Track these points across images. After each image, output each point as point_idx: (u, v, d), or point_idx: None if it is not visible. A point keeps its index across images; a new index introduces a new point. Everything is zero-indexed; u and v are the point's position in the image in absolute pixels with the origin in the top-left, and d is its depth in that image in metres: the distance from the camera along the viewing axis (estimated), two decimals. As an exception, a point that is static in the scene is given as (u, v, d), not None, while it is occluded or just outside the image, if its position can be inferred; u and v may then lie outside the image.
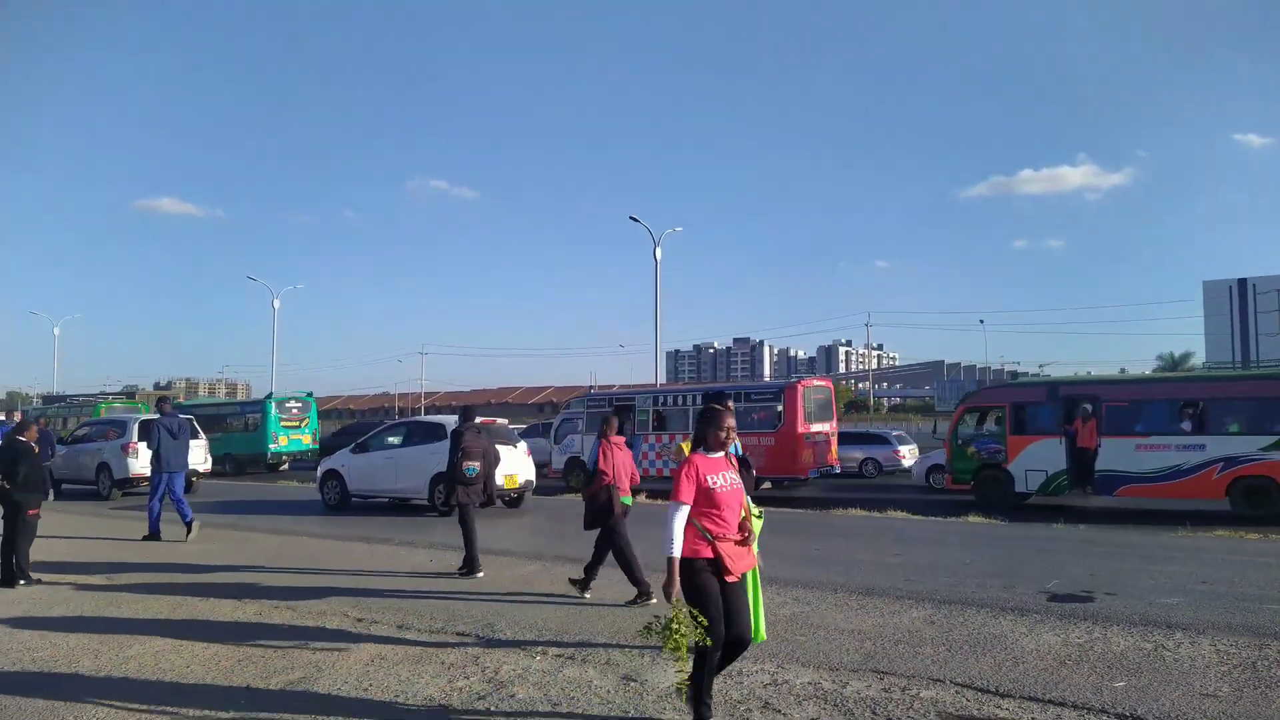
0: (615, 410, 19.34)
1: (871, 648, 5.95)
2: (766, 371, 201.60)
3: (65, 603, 7.99)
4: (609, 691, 5.04)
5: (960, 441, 17.24)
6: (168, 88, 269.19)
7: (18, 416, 22.49)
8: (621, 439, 8.30)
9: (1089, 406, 15.89)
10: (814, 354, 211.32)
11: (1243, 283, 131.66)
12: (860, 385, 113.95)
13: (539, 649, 6.01)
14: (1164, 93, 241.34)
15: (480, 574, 8.89)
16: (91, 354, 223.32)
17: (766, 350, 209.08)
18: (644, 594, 7.44)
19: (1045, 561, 9.44)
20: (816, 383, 21.72)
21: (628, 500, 7.90)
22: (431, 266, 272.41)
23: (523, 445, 16.21)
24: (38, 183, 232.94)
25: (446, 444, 10.25)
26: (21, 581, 8.88)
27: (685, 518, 4.26)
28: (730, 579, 4.29)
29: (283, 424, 28.66)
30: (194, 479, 19.49)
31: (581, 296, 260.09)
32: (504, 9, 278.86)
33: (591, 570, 7.88)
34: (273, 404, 29.11)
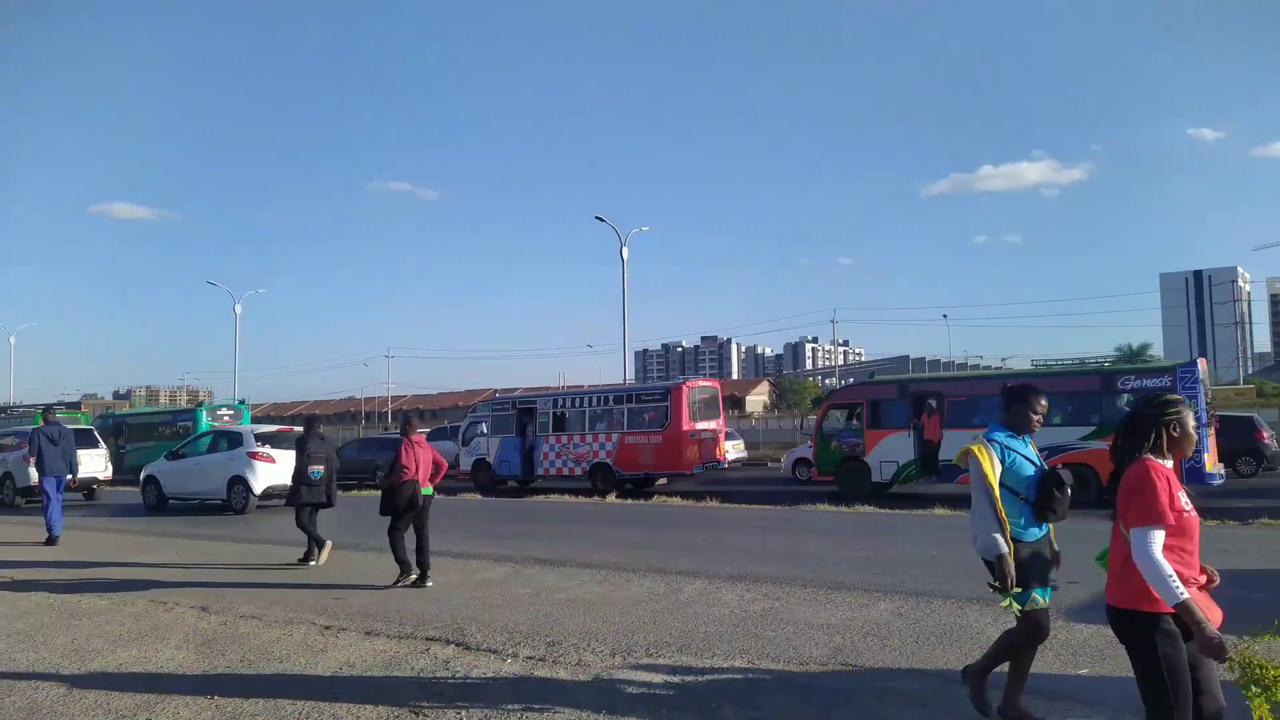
0: (518, 413, 22.67)
1: (840, 641, 6.01)
2: (734, 369, 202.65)
3: (24, 617, 7.80)
4: (580, 693, 5.04)
5: (825, 436, 18.65)
6: (123, 91, 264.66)
7: None
8: (421, 437, 9.52)
9: (933, 403, 17.51)
10: (781, 351, 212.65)
11: (1198, 274, 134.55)
12: (827, 381, 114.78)
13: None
14: (1119, 88, 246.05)
15: (313, 563, 10.06)
16: (50, 363, 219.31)
17: (734, 348, 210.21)
18: (405, 574, 8.68)
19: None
20: (702, 383, 23.23)
21: (427, 491, 8.89)
22: (396, 269, 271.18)
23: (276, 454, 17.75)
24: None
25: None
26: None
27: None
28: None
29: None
30: (94, 486, 20.84)
31: (549, 297, 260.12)
32: (464, 9, 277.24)
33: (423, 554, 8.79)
34: (204, 412, 29.47)
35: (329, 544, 10.21)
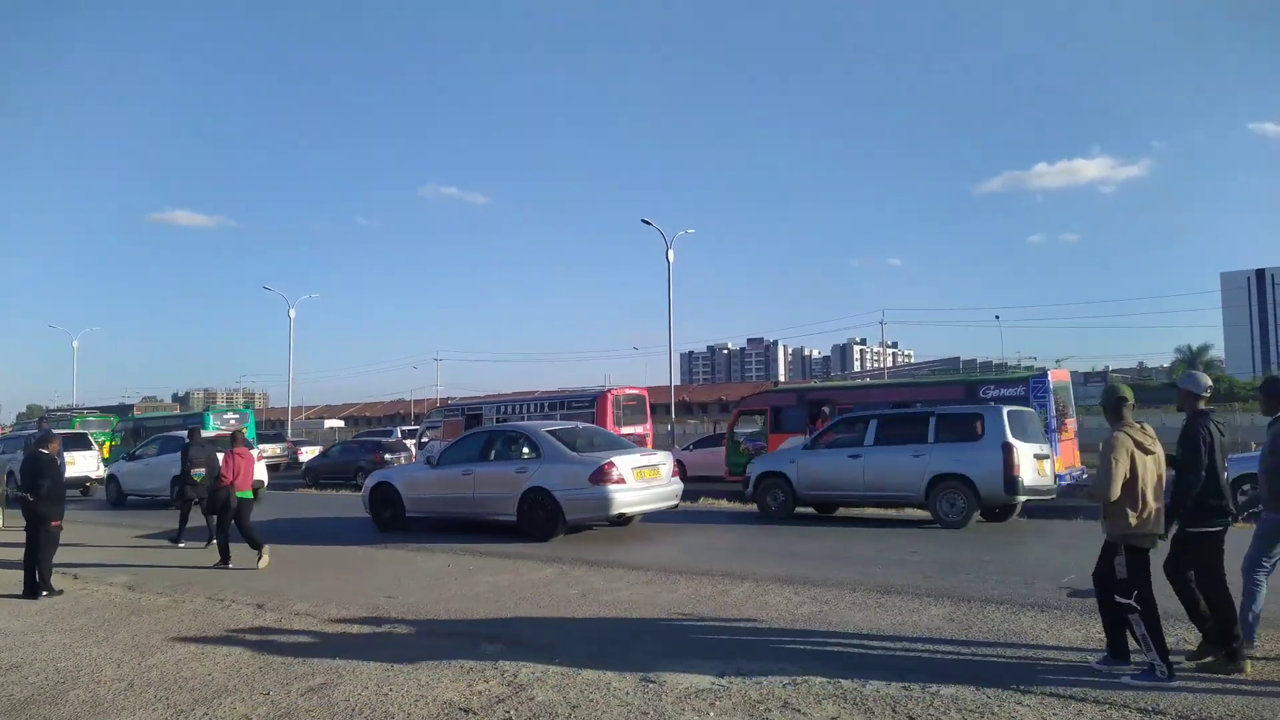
0: (466, 418, 24.29)
1: (891, 646, 5.94)
2: (781, 371, 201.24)
3: (87, 613, 8.06)
4: (628, 693, 5.05)
5: (735, 440, 20.30)
6: (176, 99, 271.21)
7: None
8: (244, 449, 11.19)
9: (826, 409, 18.42)
10: (829, 353, 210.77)
11: (1260, 273, 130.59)
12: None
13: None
14: (1180, 83, 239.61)
15: (183, 545, 12.37)
16: (111, 366, 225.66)
17: (781, 350, 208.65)
18: (225, 560, 10.45)
19: (1064, 557, 9.38)
20: (628, 390, 24.21)
21: (245, 494, 10.77)
22: (445, 272, 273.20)
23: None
24: (50, 198, 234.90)
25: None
26: (44, 593, 8.96)
27: None
28: None
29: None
30: (88, 484, 23.25)
31: (595, 299, 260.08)
32: (512, 12, 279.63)
33: (253, 540, 10.48)
34: (211, 416, 30.76)
35: (265, 550, 10.41)
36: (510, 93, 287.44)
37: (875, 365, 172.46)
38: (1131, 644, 5.15)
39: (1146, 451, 5.08)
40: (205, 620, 7.52)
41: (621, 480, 11.63)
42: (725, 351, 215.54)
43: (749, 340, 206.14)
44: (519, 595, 8.15)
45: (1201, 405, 5.45)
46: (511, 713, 4.79)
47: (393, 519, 13.44)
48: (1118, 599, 5.03)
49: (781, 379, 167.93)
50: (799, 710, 4.67)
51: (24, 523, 9.33)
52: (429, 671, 5.63)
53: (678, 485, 12.98)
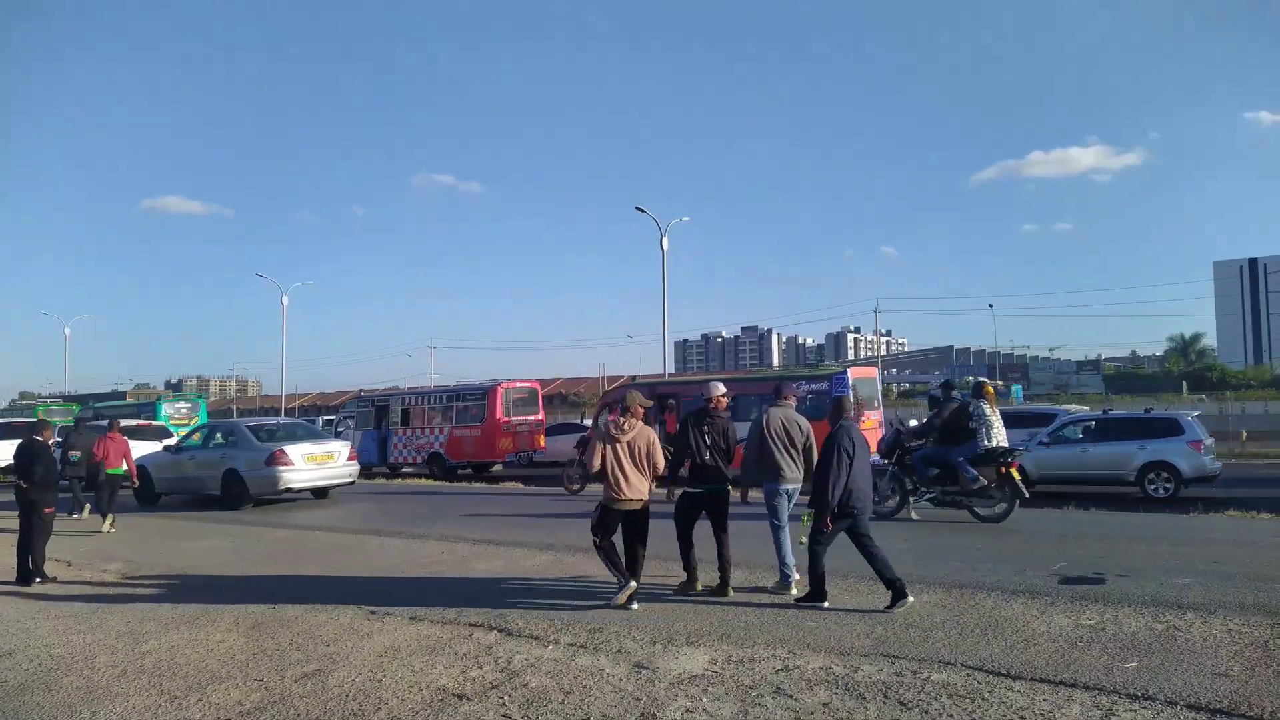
0: (375, 409, 26.25)
1: (883, 632, 5.97)
2: (775, 359, 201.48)
3: (80, 600, 8.05)
4: (621, 679, 5.07)
5: (598, 427, 21.27)
6: (171, 86, 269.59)
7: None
8: (117, 435, 13.92)
9: (672, 401, 19.42)
10: (822, 341, 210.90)
11: (1254, 262, 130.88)
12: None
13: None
14: (1175, 72, 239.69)
15: (76, 516, 14.24)
16: (104, 353, 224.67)
17: (775, 338, 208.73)
18: (107, 523, 12.93)
19: (1056, 545, 9.42)
20: (519, 384, 25.70)
21: (117, 470, 13.62)
22: (440, 261, 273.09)
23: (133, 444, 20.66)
24: (44, 184, 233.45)
25: (103, 440, 14.14)
26: (38, 580, 8.96)
27: None
28: None
29: (173, 423, 29.65)
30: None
31: (590, 288, 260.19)
32: (507, 1, 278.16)
33: (103, 509, 13.27)
34: (163, 405, 31.39)
35: (111, 518, 13.06)
36: (505, 81, 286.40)
37: (869, 353, 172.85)
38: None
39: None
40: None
41: (291, 463, 15.16)
42: (720, 340, 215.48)
43: (743, 328, 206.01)
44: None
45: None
46: (505, 698, 4.81)
47: (147, 494, 16.55)
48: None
49: (775, 366, 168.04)
50: (791, 696, 4.69)
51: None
52: (423, 657, 5.65)
53: (353, 467, 16.72)
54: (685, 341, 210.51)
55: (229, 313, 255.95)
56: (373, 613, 7.02)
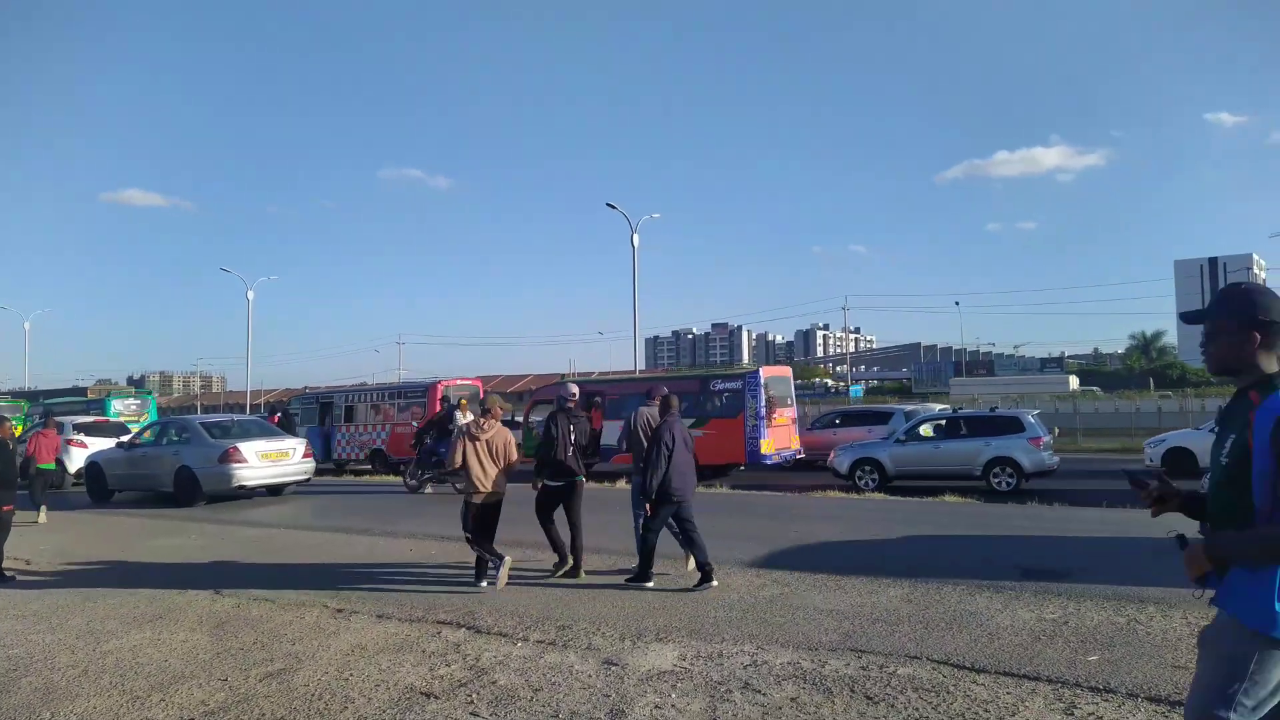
0: (320, 406, 26.13)
1: (850, 627, 6.02)
2: (745, 356, 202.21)
3: (40, 599, 7.91)
4: (590, 676, 5.07)
5: (529, 426, 21.72)
6: (132, 77, 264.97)
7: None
8: (52, 431, 14.93)
9: (599, 398, 19.44)
10: (792, 338, 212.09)
11: (1213, 261, 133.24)
12: (838, 368, 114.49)
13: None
14: (1137, 73, 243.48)
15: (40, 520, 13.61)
16: (66, 349, 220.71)
17: (745, 335, 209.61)
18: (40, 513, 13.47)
19: (1020, 540, 9.56)
20: (460, 381, 25.88)
21: (47, 466, 14.27)
22: (408, 256, 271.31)
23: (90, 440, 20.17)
24: (0, 176, 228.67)
25: (62, 437, 14.17)
26: (-5, 579, 8.80)
27: None
28: None
29: (122, 419, 29.30)
30: None
31: (560, 284, 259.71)
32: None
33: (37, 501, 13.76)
34: (113, 400, 30.89)
35: (43, 508, 13.65)
36: (474, 75, 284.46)
37: (838, 350, 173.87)
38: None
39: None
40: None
41: (245, 460, 14.96)
42: (690, 336, 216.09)
43: (713, 325, 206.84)
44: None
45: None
46: (474, 696, 4.79)
47: (100, 491, 16.67)
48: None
49: (745, 363, 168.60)
50: (759, 691, 4.71)
51: None
52: (390, 656, 5.61)
53: (309, 464, 16.47)
54: (656, 338, 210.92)
55: (194, 308, 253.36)
56: (339, 611, 6.96)
